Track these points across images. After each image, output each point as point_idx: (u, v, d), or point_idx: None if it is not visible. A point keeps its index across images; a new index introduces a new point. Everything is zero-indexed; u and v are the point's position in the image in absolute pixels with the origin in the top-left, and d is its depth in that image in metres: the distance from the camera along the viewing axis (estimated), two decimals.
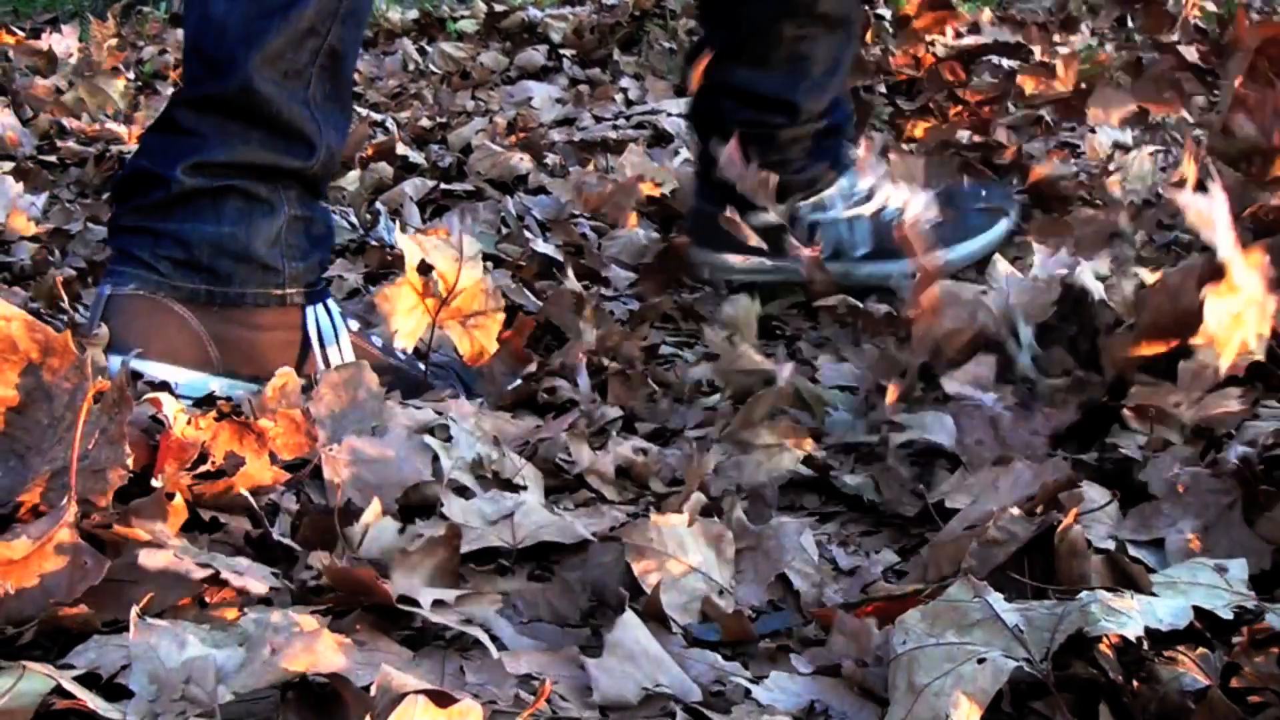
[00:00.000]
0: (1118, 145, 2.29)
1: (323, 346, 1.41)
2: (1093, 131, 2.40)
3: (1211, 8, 2.94)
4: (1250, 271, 1.14)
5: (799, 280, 1.75)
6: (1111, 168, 2.15)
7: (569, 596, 1.01)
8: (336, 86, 1.41)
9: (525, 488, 1.20)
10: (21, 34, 4.04)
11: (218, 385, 1.35)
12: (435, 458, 1.17)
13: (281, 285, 1.38)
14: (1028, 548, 0.93)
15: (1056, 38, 3.02)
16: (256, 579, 0.92)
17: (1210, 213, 1.14)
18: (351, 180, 2.51)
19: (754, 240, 1.71)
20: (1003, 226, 1.82)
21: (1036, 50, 2.89)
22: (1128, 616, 0.77)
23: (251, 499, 1.08)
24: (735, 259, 1.79)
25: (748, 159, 1.70)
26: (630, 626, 0.88)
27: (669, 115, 2.91)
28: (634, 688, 0.83)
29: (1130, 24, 3.12)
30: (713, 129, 1.77)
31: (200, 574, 0.90)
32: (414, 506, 1.13)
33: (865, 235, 1.78)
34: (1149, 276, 1.32)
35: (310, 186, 1.42)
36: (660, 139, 2.81)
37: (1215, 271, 1.14)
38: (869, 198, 1.79)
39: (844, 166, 1.81)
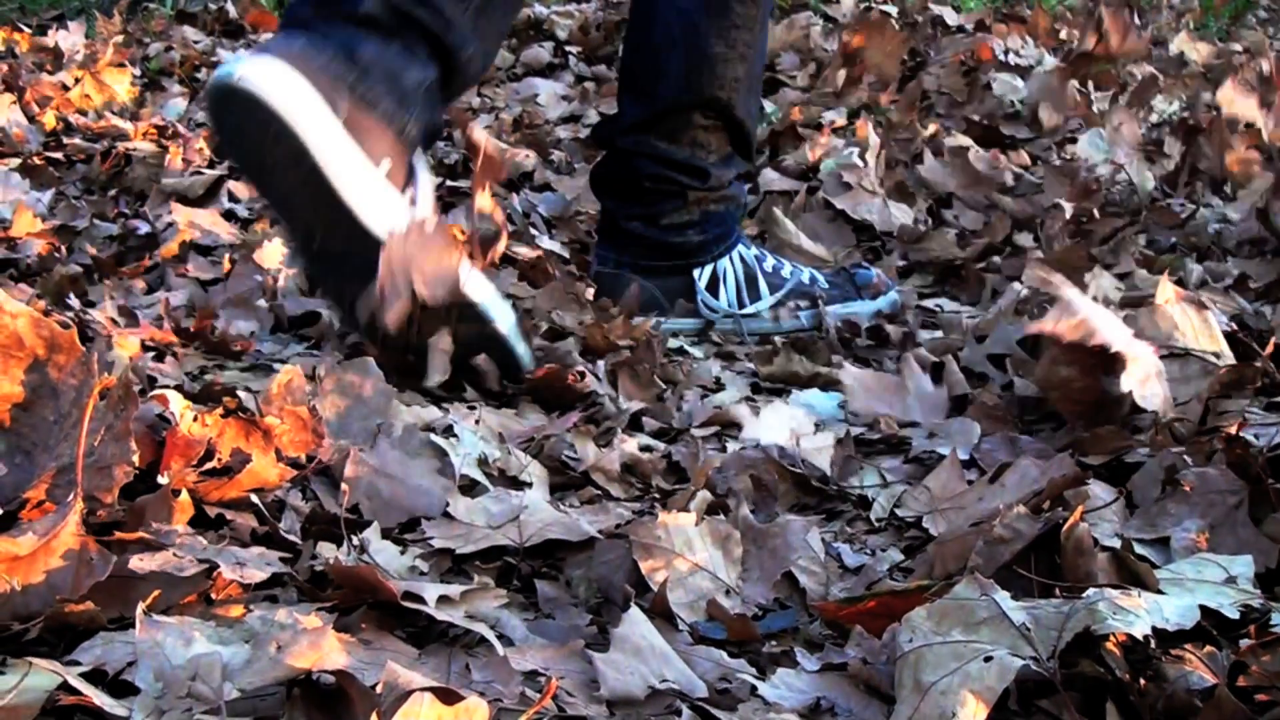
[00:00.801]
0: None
1: (420, 186, 1.48)
2: (1073, 142, 2.43)
3: None
4: (1141, 344, 1.24)
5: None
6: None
7: (574, 594, 1.01)
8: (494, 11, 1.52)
9: (530, 485, 1.20)
10: (28, 30, 4.04)
11: (334, 131, 1.40)
12: (449, 485, 1.16)
13: (407, 118, 1.46)
14: (1033, 545, 0.93)
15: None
16: (258, 570, 0.92)
17: (1093, 313, 1.23)
18: None
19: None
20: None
21: None
22: (1135, 615, 0.77)
23: (256, 497, 1.08)
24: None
25: (658, 216, 1.82)
26: (636, 622, 0.88)
27: None
28: (640, 683, 0.83)
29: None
30: (618, 188, 1.87)
31: (194, 569, 0.90)
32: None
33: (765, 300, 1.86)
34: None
35: (449, 79, 1.51)
36: None
37: (1110, 360, 1.22)
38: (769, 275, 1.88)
39: (739, 237, 1.89)
